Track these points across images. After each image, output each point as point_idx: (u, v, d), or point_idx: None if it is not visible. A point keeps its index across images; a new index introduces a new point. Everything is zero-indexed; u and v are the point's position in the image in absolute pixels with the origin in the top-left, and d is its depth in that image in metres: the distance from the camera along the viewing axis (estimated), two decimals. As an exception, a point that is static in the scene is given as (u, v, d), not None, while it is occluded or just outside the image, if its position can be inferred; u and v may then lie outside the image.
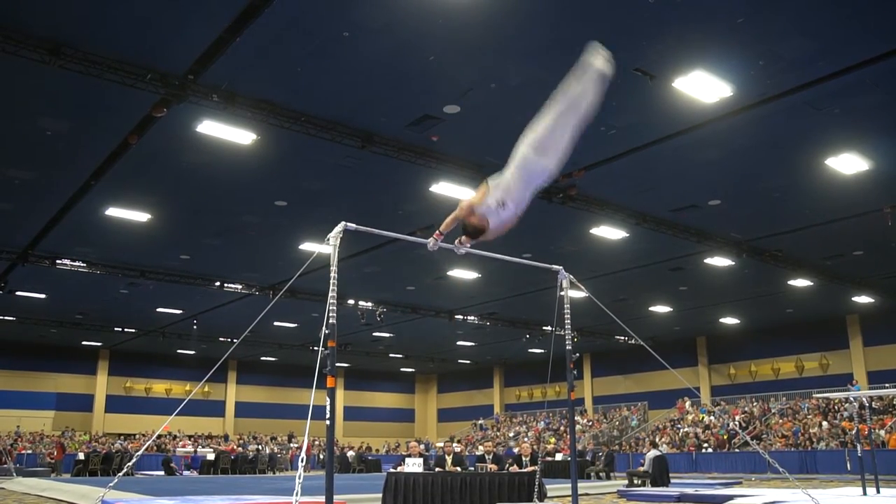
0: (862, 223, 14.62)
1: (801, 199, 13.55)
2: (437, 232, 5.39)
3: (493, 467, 11.29)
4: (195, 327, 24.67)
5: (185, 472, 23.33)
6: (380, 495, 10.22)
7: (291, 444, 30.51)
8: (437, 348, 32.06)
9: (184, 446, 27.14)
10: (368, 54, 8.71)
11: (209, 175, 12.21)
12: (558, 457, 18.70)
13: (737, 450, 23.19)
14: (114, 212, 13.82)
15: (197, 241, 16.09)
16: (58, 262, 16.91)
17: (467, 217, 4.87)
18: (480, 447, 22.47)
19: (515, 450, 18.90)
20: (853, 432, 15.55)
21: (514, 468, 11.87)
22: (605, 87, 4.32)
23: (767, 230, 15.57)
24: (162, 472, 22.49)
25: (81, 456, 21.81)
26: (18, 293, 19.96)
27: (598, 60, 4.35)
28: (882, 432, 19.92)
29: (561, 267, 7.30)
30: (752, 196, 13.53)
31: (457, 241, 5.60)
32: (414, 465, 10.42)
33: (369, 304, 21.96)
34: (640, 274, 18.88)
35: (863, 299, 21.92)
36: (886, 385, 21.77)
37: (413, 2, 7.69)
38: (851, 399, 13.43)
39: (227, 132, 10.36)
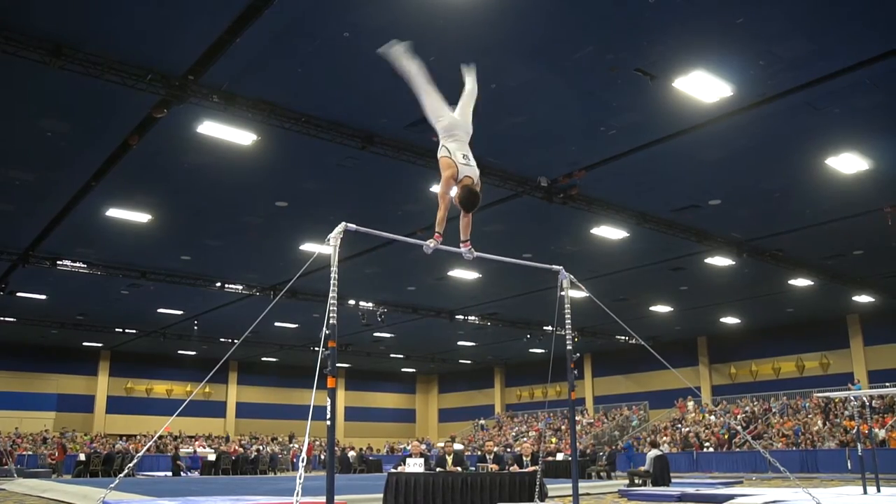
0: (862, 223, 14.62)
1: (802, 198, 13.55)
2: (436, 234, 5.49)
3: (494, 467, 11.29)
4: (196, 328, 24.68)
5: (185, 474, 23.32)
6: (381, 495, 10.23)
7: (292, 445, 30.52)
8: (437, 348, 32.07)
9: (200, 446, 27.20)
10: (369, 55, 8.68)
11: (210, 176, 12.22)
12: (559, 456, 18.71)
13: (738, 449, 23.19)
14: (114, 213, 13.83)
15: (198, 241, 16.10)
16: (58, 263, 16.92)
17: (457, 192, 5.41)
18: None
19: (517, 450, 18.91)
20: (854, 431, 15.56)
21: (515, 468, 11.87)
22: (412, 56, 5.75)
23: (768, 230, 15.57)
24: (162, 473, 22.51)
25: (82, 457, 21.82)
26: (19, 294, 19.96)
27: (392, 49, 5.84)
28: (882, 432, 19.90)
29: (561, 267, 7.32)
30: (753, 196, 13.53)
31: (463, 248, 5.73)
32: (415, 466, 10.43)
33: (370, 304, 21.96)
34: (641, 274, 18.88)
35: (863, 299, 21.92)
36: (887, 384, 21.76)
37: (413, 2, 7.70)
38: (853, 398, 13.43)
39: (227, 133, 10.38)
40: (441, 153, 5.51)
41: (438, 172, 5.53)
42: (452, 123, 5.61)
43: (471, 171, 5.45)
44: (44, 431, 28.43)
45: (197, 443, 28.40)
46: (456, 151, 5.45)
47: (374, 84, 9.43)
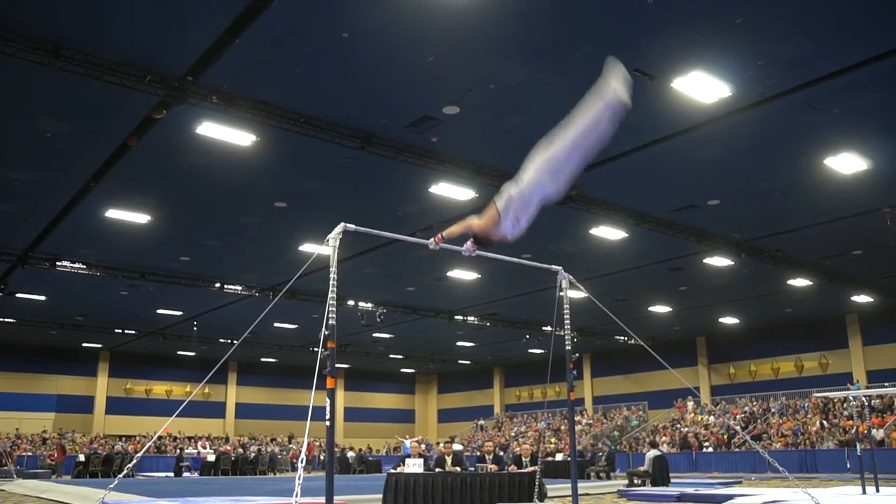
0: (861, 223, 14.63)
1: (801, 198, 13.56)
2: (439, 235, 5.42)
3: (493, 467, 11.29)
4: (195, 329, 24.68)
5: (185, 474, 23.33)
6: (380, 496, 10.23)
7: (291, 445, 30.52)
8: (437, 349, 32.07)
9: (203, 446, 27.22)
10: (368, 55, 8.71)
11: (209, 176, 12.21)
12: (559, 457, 18.71)
13: (737, 449, 23.20)
14: (114, 213, 13.83)
15: (197, 242, 16.10)
16: (58, 263, 16.91)
17: (478, 230, 4.72)
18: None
19: (515, 451, 18.91)
20: (853, 431, 15.57)
21: (514, 468, 11.87)
22: (622, 115, 3.98)
23: (767, 230, 15.58)
24: (162, 474, 22.49)
25: (82, 458, 21.83)
26: (19, 295, 19.97)
27: (619, 87, 3.96)
28: (880, 432, 19.91)
29: (560, 267, 7.32)
30: (752, 196, 13.54)
31: (467, 244, 5.63)
32: (414, 466, 10.43)
33: (369, 304, 21.96)
34: (640, 274, 18.89)
35: (862, 299, 21.93)
36: (886, 384, 21.78)
37: (412, 3, 7.70)
38: (851, 398, 13.43)
39: (226, 134, 10.37)
40: (498, 203, 4.52)
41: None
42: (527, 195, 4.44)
43: (509, 231, 4.54)
44: (43, 432, 28.45)
45: (200, 443, 28.46)
46: (510, 212, 4.49)
47: (374, 85, 9.44)
